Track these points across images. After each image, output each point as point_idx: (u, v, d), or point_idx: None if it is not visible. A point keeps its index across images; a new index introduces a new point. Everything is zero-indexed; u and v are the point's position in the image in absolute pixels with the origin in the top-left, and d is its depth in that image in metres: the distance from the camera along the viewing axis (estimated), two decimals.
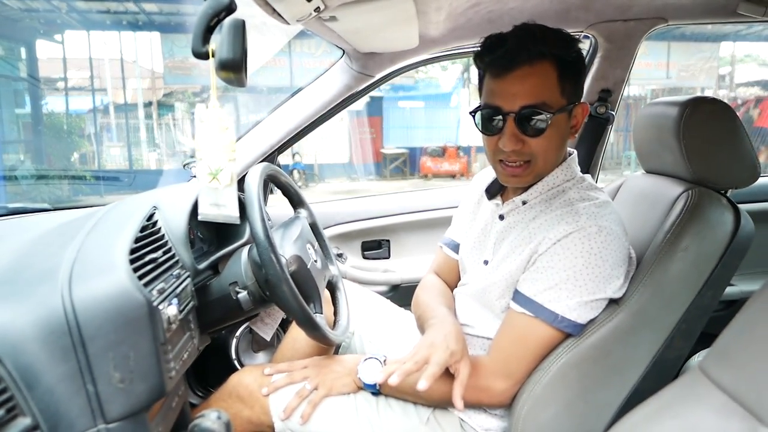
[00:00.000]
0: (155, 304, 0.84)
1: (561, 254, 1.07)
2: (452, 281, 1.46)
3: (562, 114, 1.10)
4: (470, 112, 1.16)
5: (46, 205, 1.64)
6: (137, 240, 0.95)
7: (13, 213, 1.55)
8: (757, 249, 1.28)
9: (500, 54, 1.08)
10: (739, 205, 1.22)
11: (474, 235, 1.32)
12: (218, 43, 0.88)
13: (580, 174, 1.21)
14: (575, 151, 1.23)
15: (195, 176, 1.70)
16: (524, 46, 1.05)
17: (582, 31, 1.72)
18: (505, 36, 1.09)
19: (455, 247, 1.44)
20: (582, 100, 1.16)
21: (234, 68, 0.88)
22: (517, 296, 1.13)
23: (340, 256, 2.00)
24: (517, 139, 1.09)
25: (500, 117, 1.10)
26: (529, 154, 1.11)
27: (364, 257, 2.08)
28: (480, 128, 1.15)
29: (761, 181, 1.42)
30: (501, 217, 1.24)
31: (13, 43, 8.99)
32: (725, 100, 1.32)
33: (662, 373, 1.16)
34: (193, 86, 12.21)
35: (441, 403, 1.19)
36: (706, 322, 1.19)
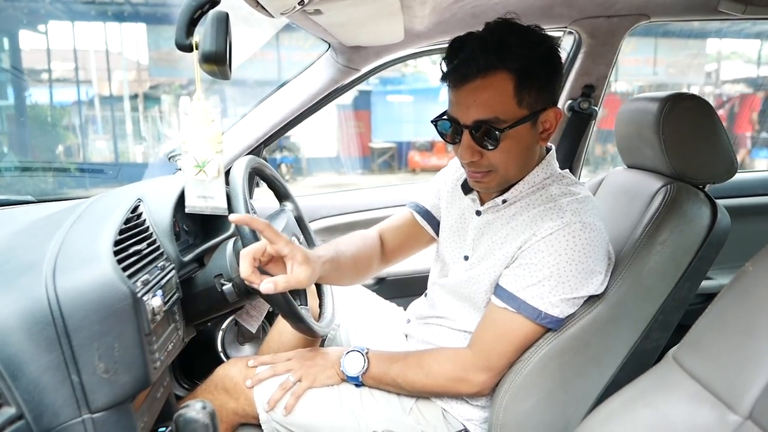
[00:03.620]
0: (139, 295, 0.84)
1: (545, 251, 1.07)
2: (396, 245, 1.44)
3: (522, 125, 1.06)
4: (432, 121, 1.15)
5: (30, 198, 1.63)
6: (121, 232, 0.95)
7: None
8: (736, 243, 1.31)
9: (456, 64, 1.05)
10: (717, 201, 1.24)
11: (450, 228, 1.31)
12: (202, 35, 0.88)
13: (559, 170, 1.20)
14: (553, 147, 1.23)
15: (180, 169, 1.69)
16: (476, 58, 1.01)
17: (566, 27, 1.74)
18: (463, 43, 1.05)
19: (425, 214, 1.41)
20: (563, 97, 1.15)
21: (217, 61, 0.89)
22: (499, 291, 1.13)
23: None
24: (473, 151, 1.08)
25: (457, 129, 1.09)
26: (488, 165, 1.10)
27: None
28: (442, 137, 1.14)
29: (739, 177, 1.45)
30: (478, 213, 1.23)
31: None
32: (710, 97, 1.34)
33: (640, 363, 1.19)
34: (180, 79, 12.07)
35: (423, 393, 1.21)
36: (684, 314, 1.21)
